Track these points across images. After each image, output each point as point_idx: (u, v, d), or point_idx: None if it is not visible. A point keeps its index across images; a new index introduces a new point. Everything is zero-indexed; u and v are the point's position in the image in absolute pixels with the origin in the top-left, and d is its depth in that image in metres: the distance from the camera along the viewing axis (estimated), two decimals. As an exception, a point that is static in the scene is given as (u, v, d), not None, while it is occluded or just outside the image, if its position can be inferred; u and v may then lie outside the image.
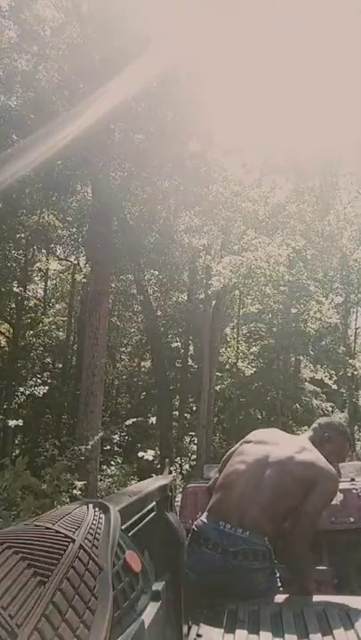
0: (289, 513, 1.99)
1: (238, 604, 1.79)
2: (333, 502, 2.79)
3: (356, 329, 21.51)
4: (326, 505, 2.07)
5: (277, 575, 2.03)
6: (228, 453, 2.34)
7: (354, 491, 2.91)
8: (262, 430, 2.35)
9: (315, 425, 2.35)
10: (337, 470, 2.15)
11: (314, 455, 2.07)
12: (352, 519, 2.84)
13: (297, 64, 12.67)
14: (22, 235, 12.39)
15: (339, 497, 2.83)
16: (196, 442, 15.05)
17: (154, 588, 1.21)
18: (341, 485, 2.94)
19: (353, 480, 3.05)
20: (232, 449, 2.32)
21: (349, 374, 18.39)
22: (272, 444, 2.13)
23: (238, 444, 2.30)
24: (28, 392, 13.33)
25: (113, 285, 12.56)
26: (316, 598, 1.90)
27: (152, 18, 9.66)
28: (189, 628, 1.62)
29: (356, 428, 20.04)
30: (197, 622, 1.68)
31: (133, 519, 1.23)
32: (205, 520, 2.05)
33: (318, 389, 17.90)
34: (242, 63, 12.32)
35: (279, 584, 2.03)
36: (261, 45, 12.04)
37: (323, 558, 2.86)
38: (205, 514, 2.09)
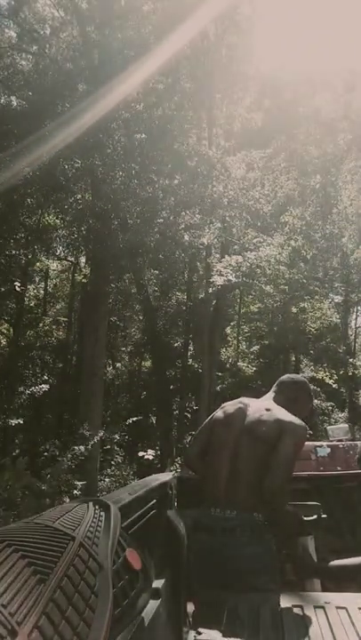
0: None
1: (238, 601, 1.79)
2: (322, 455, 3.30)
3: (357, 328, 21.48)
4: (298, 449, 2.08)
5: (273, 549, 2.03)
6: (201, 431, 2.34)
7: (341, 446, 3.38)
8: (230, 404, 2.32)
9: (279, 385, 2.37)
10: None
11: (277, 413, 2.13)
12: (339, 468, 3.27)
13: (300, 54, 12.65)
14: (22, 235, 12.35)
15: (326, 450, 3.34)
16: (196, 441, 15.01)
17: (154, 585, 1.21)
18: (330, 443, 3.47)
19: (340, 440, 3.53)
20: (205, 427, 2.32)
21: (350, 374, 18.38)
22: (242, 417, 2.18)
23: (211, 422, 2.30)
24: (28, 392, 13.31)
25: (113, 285, 12.52)
26: (316, 596, 1.90)
27: (153, 15, 9.66)
28: (189, 626, 1.62)
29: (356, 427, 20.03)
30: (197, 620, 1.68)
31: (134, 517, 1.23)
32: (200, 510, 2.12)
33: (318, 389, 17.89)
34: (245, 57, 12.31)
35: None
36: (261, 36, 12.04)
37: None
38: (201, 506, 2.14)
